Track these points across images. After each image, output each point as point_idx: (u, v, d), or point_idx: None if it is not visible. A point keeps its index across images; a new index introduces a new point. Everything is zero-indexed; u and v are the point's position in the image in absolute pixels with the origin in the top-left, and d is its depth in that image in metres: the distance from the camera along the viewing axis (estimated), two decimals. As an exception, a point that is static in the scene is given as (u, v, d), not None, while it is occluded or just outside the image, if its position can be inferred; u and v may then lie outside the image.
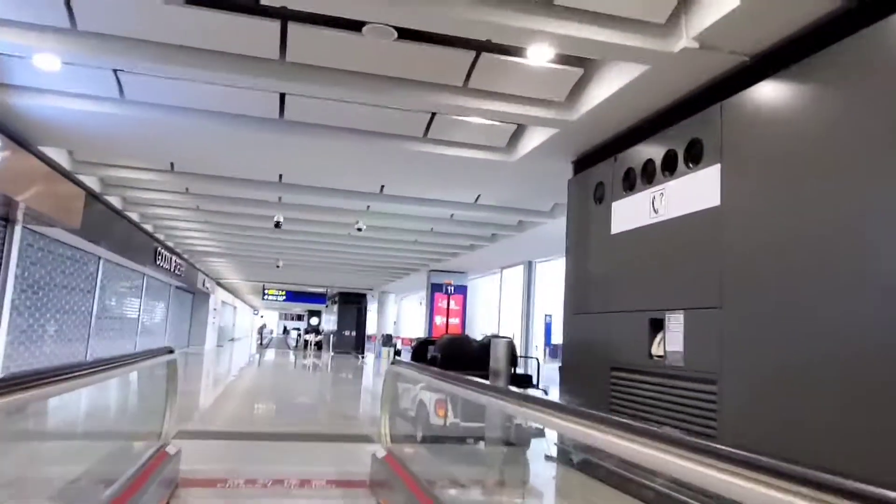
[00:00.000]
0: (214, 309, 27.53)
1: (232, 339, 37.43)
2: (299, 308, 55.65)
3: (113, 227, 11.31)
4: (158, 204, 11.21)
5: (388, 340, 9.86)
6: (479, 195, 8.89)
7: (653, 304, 4.67)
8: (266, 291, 27.83)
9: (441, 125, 5.94)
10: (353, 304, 29.40)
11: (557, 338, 11.16)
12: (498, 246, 12.67)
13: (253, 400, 11.40)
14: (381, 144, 6.28)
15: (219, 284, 27.95)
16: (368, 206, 10.11)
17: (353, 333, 29.07)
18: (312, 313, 53.79)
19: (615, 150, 5.50)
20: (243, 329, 48.31)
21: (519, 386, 5.81)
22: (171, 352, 4.53)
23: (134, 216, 11.96)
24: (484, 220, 10.87)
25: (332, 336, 29.12)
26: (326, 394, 13.75)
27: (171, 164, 8.37)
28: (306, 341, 30.96)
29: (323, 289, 28.99)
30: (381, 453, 4.53)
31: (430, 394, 5.98)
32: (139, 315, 15.69)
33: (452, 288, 18.28)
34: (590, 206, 5.82)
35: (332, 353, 27.54)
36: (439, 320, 18.50)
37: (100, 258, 12.03)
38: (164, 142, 6.75)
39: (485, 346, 6.33)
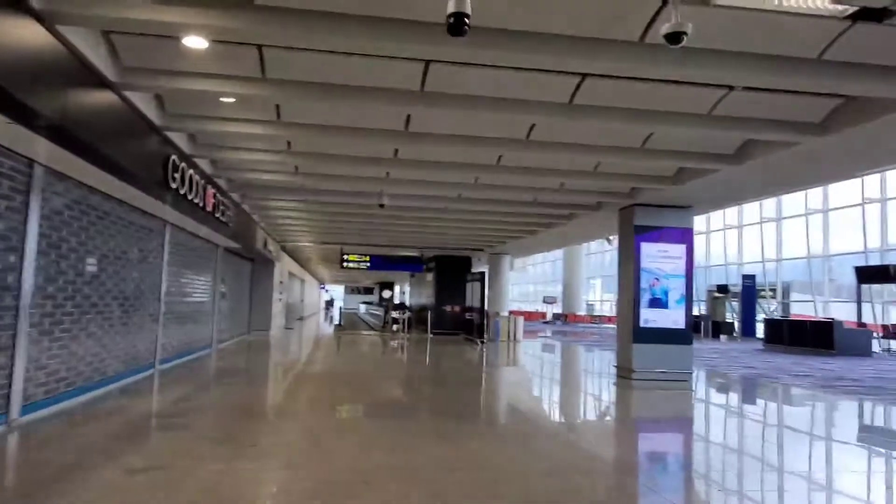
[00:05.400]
0: (281, 282, 21.09)
1: (300, 318, 31.31)
2: (370, 280, 49.31)
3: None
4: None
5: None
6: None
7: None
8: (346, 257, 21.13)
9: None
10: (456, 271, 22.40)
11: None
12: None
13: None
14: None
15: (283, 250, 21.45)
16: None
17: (458, 309, 22.09)
18: (384, 286, 47.38)
19: None
20: (311, 306, 42.41)
21: None
22: None
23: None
24: None
25: (429, 312, 22.19)
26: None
27: None
28: (394, 319, 24.19)
29: (417, 251, 22.10)
30: None
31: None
32: (160, 289, 9.07)
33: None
34: None
35: (430, 336, 20.71)
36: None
37: (33, 164, 5.30)
38: None
39: None
